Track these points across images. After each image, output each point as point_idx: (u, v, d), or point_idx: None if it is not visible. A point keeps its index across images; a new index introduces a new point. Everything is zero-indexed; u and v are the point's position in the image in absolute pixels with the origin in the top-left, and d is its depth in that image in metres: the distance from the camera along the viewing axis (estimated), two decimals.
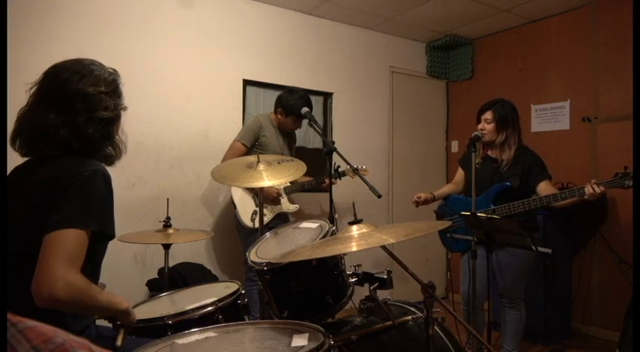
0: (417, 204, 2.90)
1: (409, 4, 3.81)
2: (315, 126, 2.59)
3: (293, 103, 3.06)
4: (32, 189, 1.26)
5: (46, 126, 1.28)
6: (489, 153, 2.77)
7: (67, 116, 1.28)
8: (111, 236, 1.31)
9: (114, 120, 1.38)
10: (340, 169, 3.10)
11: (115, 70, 1.44)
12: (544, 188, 2.56)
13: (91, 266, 1.30)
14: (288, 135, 3.31)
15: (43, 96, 1.31)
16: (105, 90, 1.34)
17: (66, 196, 1.21)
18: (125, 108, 1.44)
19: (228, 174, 2.20)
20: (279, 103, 3.16)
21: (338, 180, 3.14)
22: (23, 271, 1.15)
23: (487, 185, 2.64)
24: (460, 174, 2.99)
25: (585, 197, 2.34)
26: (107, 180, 1.30)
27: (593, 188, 2.30)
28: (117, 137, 1.42)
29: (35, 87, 1.33)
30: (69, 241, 1.16)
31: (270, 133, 3.17)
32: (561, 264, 3.60)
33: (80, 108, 1.29)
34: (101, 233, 1.26)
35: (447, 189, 3.01)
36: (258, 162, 2.18)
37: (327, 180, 2.97)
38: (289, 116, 3.11)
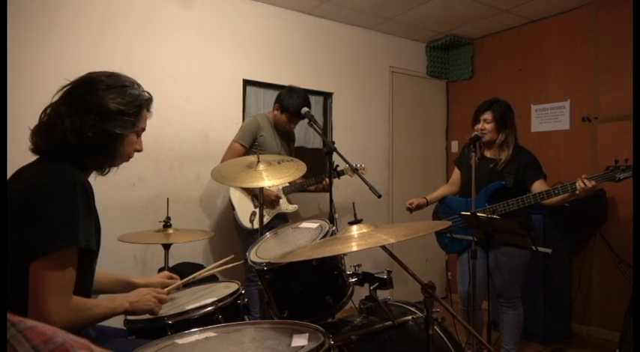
0: (411, 210, 2.91)
1: (409, 4, 3.81)
2: (315, 126, 2.59)
3: (290, 102, 3.07)
4: (23, 188, 1.25)
5: (54, 117, 1.30)
6: (486, 153, 2.77)
7: (77, 115, 1.28)
8: (94, 252, 1.29)
9: (119, 138, 1.35)
10: (339, 168, 3.10)
11: (149, 94, 1.45)
12: (538, 187, 2.57)
13: (80, 281, 1.28)
14: (286, 135, 3.31)
15: (69, 96, 1.33)
16: (125, 110, 1.34)
17: (49, 211, 1.18)
18: (140, 130, 1.44)
19: (228, 174, 2.20)
20: (278, 100, 3.17)
21: (337, 179, 3.14)
22: (20, 273, 1.16)
23: (484, 184, 2.64)
24: (456, 174, 2.99)
25: (577, 192, 2.34)
26: (88, 193, 1.27)
27: (584, 182, 2.30)
28: (119, 151, 1.39)
29: (68, 86, 1.34)
30: (57, 270, 1.16)
31: (267, 133, 3.17)
32: (561, 264, 3.60)
33: (92, 117, 1.29)
34: (86, 250, 1.24)
35: (440, 191, 3.01)
36: (258, 162, 2.18)
37: (326, 180, 2.97)
38: (284, 113, 3.11)
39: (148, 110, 1.46)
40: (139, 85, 1.43)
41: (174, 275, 1.76)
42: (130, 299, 1.39)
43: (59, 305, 1.15)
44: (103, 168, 1.41)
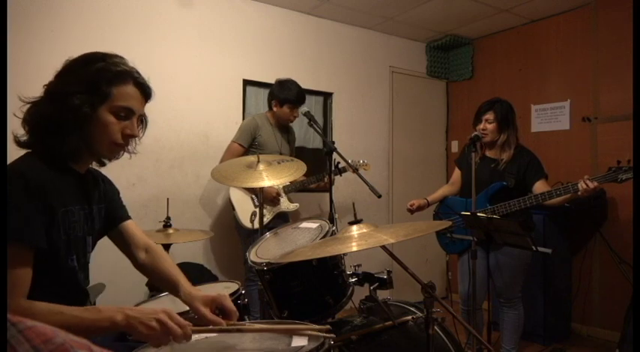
0: (412, 211, 2.91)
1: (409, 4, 3.81)
2: (315, 126, 2.59)
3: (285, 92, 3.11)
4: None
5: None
6: (487, 153, 2.77)
7: (40, 104, 1.22)
8: (40, 248, 1.13)
9: (64, 121, 1.19)
10: (341, 165, 3.11)
11: (125, 66, 1.27)
12: (540, 187, 2.57)
13: (44, 283, 1.16)
14: (286, 132, 3.31)
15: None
16: (76, 90, 1.18)
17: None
18: (119, 109, 1.24)
19: (229, 174, 2.20)
20: (272, 96, 3.18)
21: (339, 176, 3.14)
22: None
23: (485, 185, 2.64)
24: (457, 174, 2.98)
25: (579, 193, 2.34)
26: (26, 184, 1.11)
27: (586, 183, 2.30)
28: (91, 134, 1.22)
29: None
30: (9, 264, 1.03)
31: (266, 132, 3.17)
32: (561, 264, 3.60)
33: (48, 104, 1.20)
34: (35, 248, 1.12)
35: (441, 192, 3.01)
36: (258, 162, 2.18)
37: (326, 179, 2.97)
38: (284, 105, 3.13)
39: (136, 86, 1.27)
40: (113, 61, 1.25)
41: (231, 310, 1.29)
42: (127, 312, 1.09)
43: (12, 308, 1.00)
44: (77, 154, 1.26)
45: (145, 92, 1.31)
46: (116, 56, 1.30)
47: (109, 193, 1.45)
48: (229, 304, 1.29)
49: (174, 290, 1.42)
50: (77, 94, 1.18)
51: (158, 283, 1.51)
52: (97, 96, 1.20)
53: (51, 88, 1.23)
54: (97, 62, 1.24)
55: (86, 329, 1.07)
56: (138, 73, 1.30)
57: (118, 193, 1.51)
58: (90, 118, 1.20)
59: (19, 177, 1.12)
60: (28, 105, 1.24)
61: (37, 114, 1.21)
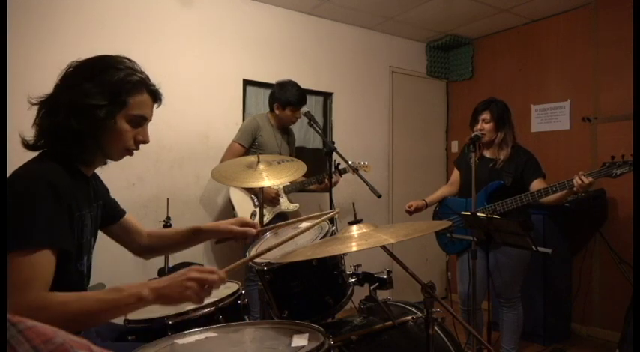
0: (410, 213, 2.91)
1: (409, 4, 3.81)
2: (315, 126, 2.59)
3: (287, 95, 3.10)
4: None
5: (39, 111, 1.24)
6: (485, 152, 2.78)
7: (53, 111, 1.21)
8: (66, 251, 1.16)
9: (91, 131, 1.22)
10: (341, 166, 3.11)
11: (142, 75, 1.29)
12: (537, 186, 2.57)
13: (60, 282, 1.16)
14: (286, 133, 3.31)
15: (54, 90, 1.25)
16: (95, 103, 1.19)
17: (16, 209, 1.08)
18: (135, 117, 1.27)
19: (229, 174, 2.20)
20: (274, 99, 3.17)
21: (339, 176, 3.14)
22: None
23: (484, 184, 2.65)
24: (456, 174, 2.99)
25: (574, 189, 2.34)
26: (54, 188, 1.13)
27: (581, 179, 2.30)
28: (106, 143, 1.26)
29: (60, 76, 1.27)
30: (14, 268, 1.04)
31: (267, 132, 3.17)
32: (561, 264, 3.60)
33: (64, 114, 1.19)
34: (59, 250, 1.13)
35: (440, 193, 3.02)
36: (258, 162, 2.18)
37: (327, 180, 2.97)
38: (287, 108, 3.12)
39: (149, 93, 1.29)
40: (128, 67, 1.26)
41: (251, 222, 1.59)
42: (153, 285, 1.09)
43: (14, 303, 1.01)
44: (91, 160, 1.30)
45: (157, 98, 1.34)
46: (127, 59, 1.30)
47: (101, 190, 1.47)
48: (248, 219, 1.58)
49: (196, 233, 1.58)
50: (100, 107, 1.20)
51: (174, 245, 1.63)
52: (116, 106, 1.23)
53: (68, 97, 1.21)
54: (115, 71, 1.24)
55: (112, 310, 1.09)
56: (149, 78, 1.32)
57: (108, 190, 1.55)
58: (108, 127, 1.24)
59: (42, 180, 1.13)
60: (38, 107, 1.24)
61: (58, 123, 1.20)
